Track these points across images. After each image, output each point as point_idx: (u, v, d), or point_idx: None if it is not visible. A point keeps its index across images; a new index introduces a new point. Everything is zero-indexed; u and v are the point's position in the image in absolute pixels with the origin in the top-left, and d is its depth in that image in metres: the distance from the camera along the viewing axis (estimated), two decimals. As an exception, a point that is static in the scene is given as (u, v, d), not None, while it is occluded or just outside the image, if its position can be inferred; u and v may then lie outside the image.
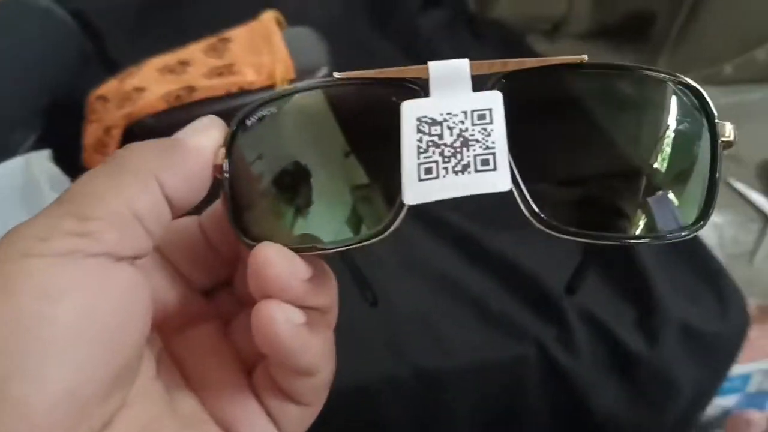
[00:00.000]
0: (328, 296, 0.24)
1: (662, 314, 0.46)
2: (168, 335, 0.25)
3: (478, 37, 0.62)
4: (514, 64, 0.24)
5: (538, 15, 0.61)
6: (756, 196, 0.55)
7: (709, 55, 0.54)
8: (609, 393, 0.44)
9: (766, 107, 0.55)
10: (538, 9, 0.61)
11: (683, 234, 0.23)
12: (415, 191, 0.22)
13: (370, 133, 0.24)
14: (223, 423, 0.24)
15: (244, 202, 0.24)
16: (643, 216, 0.24)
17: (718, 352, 0.50)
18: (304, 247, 0.23)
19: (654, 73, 0.24)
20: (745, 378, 0.66)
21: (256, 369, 0.25)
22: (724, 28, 0.53)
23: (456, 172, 0.22)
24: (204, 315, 0.26)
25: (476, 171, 0.22)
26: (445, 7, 0.63)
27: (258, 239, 0.23)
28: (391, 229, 0.23)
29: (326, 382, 0.24)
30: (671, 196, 0.24)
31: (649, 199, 0.24)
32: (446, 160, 0.22)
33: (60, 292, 0.21)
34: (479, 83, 0.24)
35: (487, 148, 0.22)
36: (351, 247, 0.23)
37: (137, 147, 0.24)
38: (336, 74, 0.25)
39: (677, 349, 0.46)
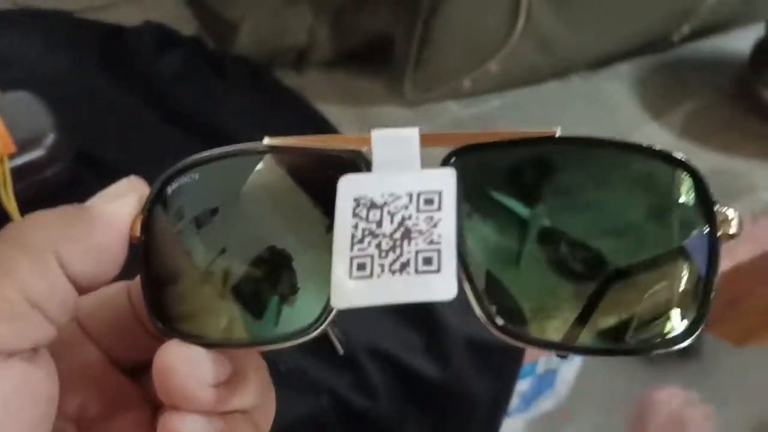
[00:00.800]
0: (251, 395, 0.21)
1: (447, 333, 0.47)
2: (87, 425, 0.23)
3: (222, 76, 0.59)
4: (470, 137, 0.21)
5: (279, 47, 0.60)
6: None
7: (448, 72, 0.56)
8: (412, 428, 0.44)
9: (504, 113, 0.58)
10: (279, 41, 0.59)
11: (662, 347, 0.20)
12: (344, 292, 0.19)
13: (302, 212, 0.22)
14: None
15: (161, 279, 0.22)
16: (620, 323, 0.21)
17: (505, 354, 0.52)
18: (219, 341, 0.21)
19: (639, 149, 0.21)
20: (533, 363, 0.71)
21: None
22: (458, 44, 0.55)
23: (393, 272, 0.19)
24: (129, 400, 0.23)
25: (416, 272, 0.19)
26: (182, 48, 0.59)
27: (174, 322, 0.22)
28: (315, 333, 0.21)
29: None
30: (651, 299, 0.21)
31: (628, 299, 0.21)
32: (383, 254, 0.19)
33: None
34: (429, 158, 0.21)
35: (432, 242, 0.19)
36: (269, 347, 0.22)
37: (34, 219, 0.21)
38: (267, 140, 0.22)
39: (468, 365, 0.47)
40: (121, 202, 0.22)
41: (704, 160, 0.55)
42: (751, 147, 0.55)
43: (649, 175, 0.21)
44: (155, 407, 0.23)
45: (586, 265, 0.21)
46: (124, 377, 0.24)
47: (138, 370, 0.24)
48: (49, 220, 0.21)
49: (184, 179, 0.22)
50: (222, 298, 0.22)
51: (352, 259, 0.19)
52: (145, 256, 0.22)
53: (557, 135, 0.21)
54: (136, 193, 0.22)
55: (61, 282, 0.20)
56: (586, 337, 0.20)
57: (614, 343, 0.20)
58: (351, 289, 0.19)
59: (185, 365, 0.20)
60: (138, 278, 0.23)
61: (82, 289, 0.21)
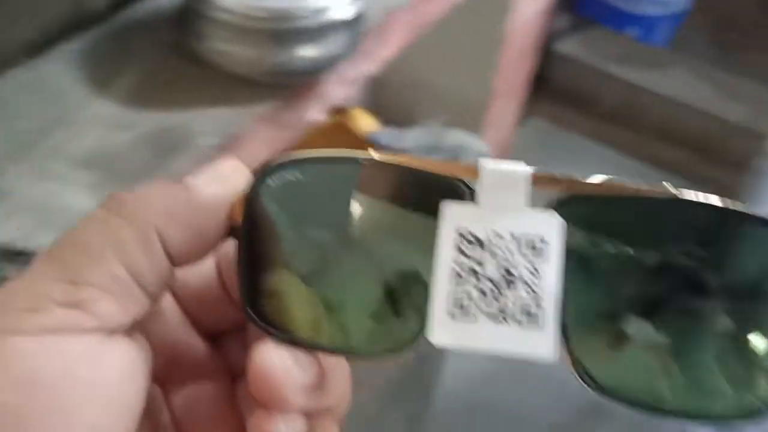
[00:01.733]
0: (336, 396, 0.22)
1: None
2: (168, 387, 0.23)
3: None
4: (585, 186, 0.20)
5: None
6: None
7: None
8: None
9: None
10: None
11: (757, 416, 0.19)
12: (444, 331, 0.19)
13: (400, 230, 0.22)
14: None
15: (257, 268, 0.22)
16: (729, 387, 0.20)
17: None
18: (311, 343, 0.21)
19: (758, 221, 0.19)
20: None
21: None
22: None
23: (492, 318, 0.19)
24: (208, 367, 0.24)
25: (516, 322, 0.19)
26: None
27: (267, 316, 0.21)
28: (402, 356, 0.20)
29: None
30: (754, 367, 0.20)
31: (736, 370, 0.20)
32: (483, 297, 0.19)
33: (42, 380, 0.18)
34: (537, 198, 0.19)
35: (535, 294, 0.19)
36: (356, 359, 0.21)
37: (141, 193, 0.21)
38: (374, 154, 0.21)
39: None
40: (222, 186, 0.21)
41: (151, 120, 0.53)
42: (193, 98, 0.55)
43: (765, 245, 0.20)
44: (232, 376, 0.24)
45: (691, 333, 0.20)
46: (204, 344, 0.24)
47: (216, 337, 0.24)
48: (154, 196, 0.21)
49: (286, 174, 0.22)
50: (317, 301, 0.22)
51: (451, 295, 0.19)
52: (242, 243, 0.21)
53: (677, 195, 0.19)
54: (237, 177, 0.22)
55: (162, 259, 0.21)
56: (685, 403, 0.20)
57: (708, 409, 0.20)
58: (448, 328, 0.19)
59: (282, 371, 0.20)
60: (228, 251, 0.22)
61: (175, 266, 0.21)
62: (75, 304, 0.19)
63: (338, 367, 0.22)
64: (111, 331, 0.20)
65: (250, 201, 0.22)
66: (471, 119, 0.79)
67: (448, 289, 0.20)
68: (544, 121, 1.10)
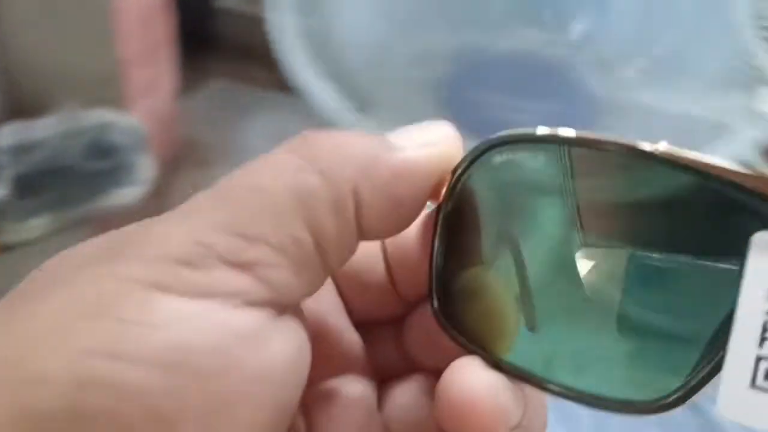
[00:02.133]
0: (534, 426, 0.17)
1: None
2: (310, 382, 0.18)
3: None
4: None
5: None
6: None
7: None
8: None
9: None
10: None
11: None
12: (739, 402, 0.14)
13: (682, 261, 0.16)
14: None
15: (457, 269, 0.18)
16: None
17: None
18: (526, 375, 0.17)
19: None
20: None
21: None
22: None
23: None
24: (356, 362, 0.20)
25: None
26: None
27: (464, 329, 0.18)
28: (665, 413, 0.15)
29: None
30: None
31: None
32: None
33: (207, 363, 0.14)
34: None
35: None
36: (582, 404, 0.17)
37: (339, 141, 0.17)
38: (662, 144, 0.16)
39: None
40: (432, 154, 0.18)
41: None
42: None
43: None
44: (380, 377, 0.20)
45: None
46: (356, 335, 0.21)
47: (362, 326, 0.21)
48: (356, 150, 0.17)
49: (508, 154, 0.17)
50: (536, 321, 0.17)
51: (759, 360, 0.15)
52: (441, 228, 0.18)
53: None
54: (451, 147, 0.18)
55: (352, 228, 0.17)
56: None
57: None
58: (751, 402, 0.14)
59: (495, 406, 0.16)
60: (403, 234, 0.19)
61: (362, 240, 0.18)
62: (245, 266, 0.16)
63: (538, 403, 0.18)
64: (282, 309, 0.17)
65: (461, 178, 0.18)
66: (108, 95, 0.75)
67: (755, 351, 0.15)
68: (224, 80, 1.07)
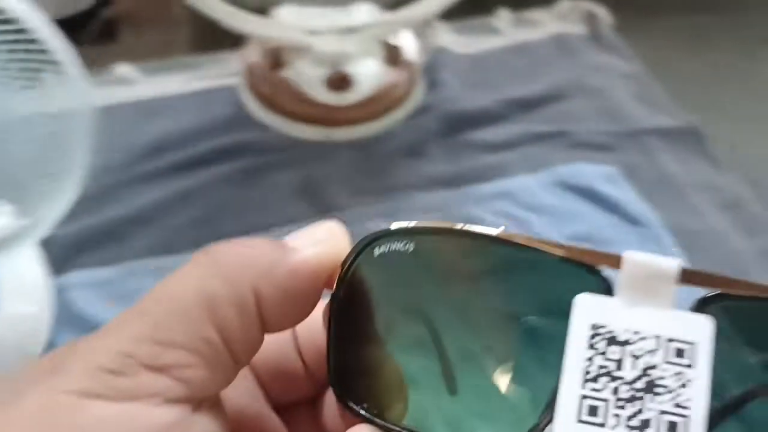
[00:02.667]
0: None
1: None
2: None
3: None
4: (739, 285, 0.18)
5: None
6: None
7: None
8: None
9: None
10: None
11: None
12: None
13: (522, 317, 0.19)
14: None
15: (350, 346, 0.20)
16: None
17: None
18: (405, 428, 0.19)
19: None
20: None
21: None
22: None
23: (631, 428, 0.17)
24: None
25: None
26: None
27: (358, 396, 0.20)
28: None
29: None
30: None
31: None
32: (620, 404, 0.17)
33: None
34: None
35: (679, 405, 0.17)
36: None
37: (236, 246, 0.19)
38: (495, 230, 0.20)
39: None
40: (321, 251, 0.20)
41: None
42: None
43: None
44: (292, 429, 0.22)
45: None
46: (277, 419, 0.22)
47: (281, 409, 0.22)
48: (255, 254, 0.19)
49: (392, 243, 0.20)
50: (414, 384, 0.20)
51: (582, 398, 0.17)
52: (334, 314, 0.20)
53: None
54: (339, 242, 0.20)
55: (255, 324, 0.19)
56: None
57: None
58: None
59: None
60: (309, 318, 0.20)
61: (266, 333, 0.19)
62: (163, 369, 0.17)
63: None
64: (200, 402, 0.18)
65: (349, 269, 0.20)
66: None
67: (579, 391, 0.17)
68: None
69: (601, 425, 0.17)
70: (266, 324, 0.20)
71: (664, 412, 0.17)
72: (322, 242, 0.20)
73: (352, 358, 0.21)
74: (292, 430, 0.23)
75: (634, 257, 0.19)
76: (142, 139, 0.74)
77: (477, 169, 0.74)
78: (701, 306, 0.19)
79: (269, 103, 0.76)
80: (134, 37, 0.94)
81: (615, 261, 0.19)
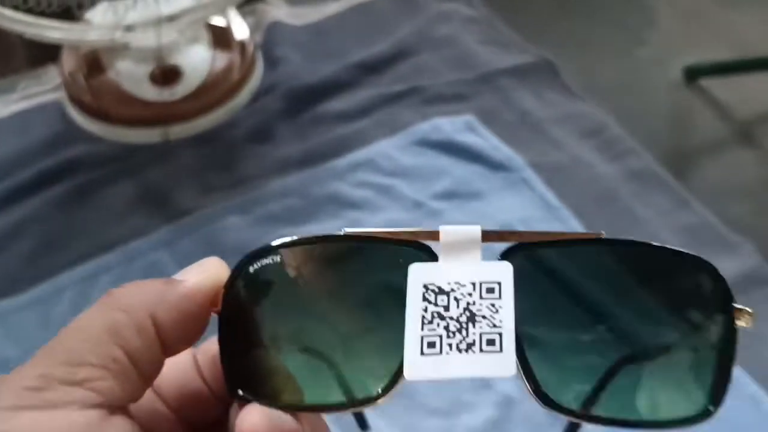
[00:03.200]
0: None
1: None
2: None
3: None
4: (527, 236, 0.24)
5: None
6: None
7: None
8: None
9: None
10: None
11: (686, 423, 0.23)
12: (416, 366, 0.22)
13: (374, 294, 0.24)
14: None
15: (239, 349, 0.24)
16: (652, 399, 0.23)
17: None
18: (294, 405, 0.23)
19: (671, 252, 0.24)
20: None
21: None
22: None
23: (460, 350, 0.22)
24: None
25: (481, 351, 0.22)
26: None
27: (250, 389, 0.23)
28: (386, 397, 0.23)
29: None
30: (680, 380, 0.23)
31: (663, 381, 0.23)
32: (451, 335, 0.22)
33: None
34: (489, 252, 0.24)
35: (494, 326, 0.22)
36: (343, 410, 0.23)
37: (132, 285, 0.23)
38: (345, 230, 0.24)
39: None
40: (206, 276, 0.24)
41: None
42: None
43: (677, 274, 0.24)
44: None
45: (618, 348, 0.23)
46: (183, 426, 0.25)
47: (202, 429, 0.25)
48: (147, 287, 0.23)
49: (264, 260, 0.24)
50: (296, 368, 0.24)
51: (422, 338, 0.22)
52: (224, 327, 0.24)
53: (603, 237, 0.24)
54: (219, 270, 0.24)
55: (155, 343, 0.22)
56: (605, 410, 0.23)
57: (631, 416, 0.23)
58: (422, 364, 0.22)
59: (268, 424, 0.22)
60: (206, 343, 0.25)
61: (167, 352, 0.23)
62: (78, 383, 0.21)
63: (321, 427, 0.24)
64: (112, 409, 0.21)
65: (229, 288, 0.24)
66: None
67: (419, 333, 0.23)
68: None
69: (439, 353, 0.22)
70: (165, 344, 0.23)
71: (483, 334, 0.22)
72: (204, 271, 0.24)
73: (239, 360, 0.24)
74: None
75: (447, 230, 0.24)
76: (-43, 176, 0.67)
77: (331, 143, 0.70)
78: (503, 256, 0.24)
79: (95, 112, 0.70)
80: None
81: (435, 235, 0.24)
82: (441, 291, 0.23)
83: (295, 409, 0.23)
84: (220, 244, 0.61)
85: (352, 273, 0.25)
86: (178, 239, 0.62)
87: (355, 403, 0.24)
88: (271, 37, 0.79)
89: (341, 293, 0.25)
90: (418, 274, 0.23)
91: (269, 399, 0.24)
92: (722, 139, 1.44)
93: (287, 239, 0.25)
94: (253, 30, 0.78)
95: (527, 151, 0.70)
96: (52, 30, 0.66)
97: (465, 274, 0.23)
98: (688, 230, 0.64)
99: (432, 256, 0.24)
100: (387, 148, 0.70)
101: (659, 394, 0.24)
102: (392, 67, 0.78)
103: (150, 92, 0.68)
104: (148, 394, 0.24)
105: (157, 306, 0.23)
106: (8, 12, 0.64)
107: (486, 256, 0.24)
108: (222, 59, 0.72)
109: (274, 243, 0.25)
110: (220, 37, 0.73)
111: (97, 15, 0.70)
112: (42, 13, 0.66)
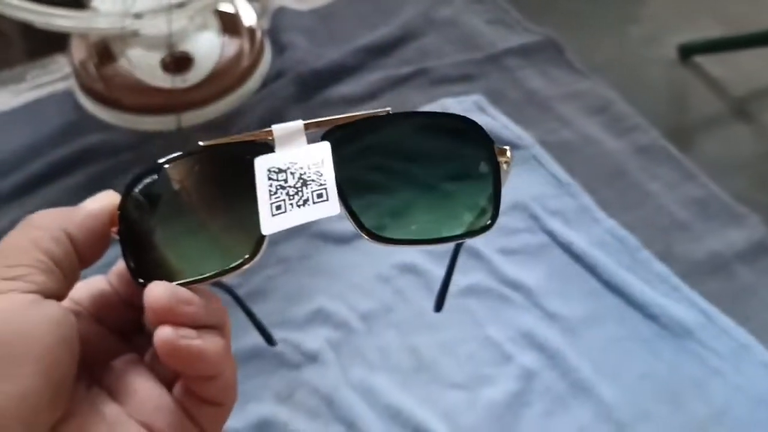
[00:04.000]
0: (215, 316, 0.29)
1: None
2: (96, 372, 0.29)
3: None
4: (334, 121, 0.31)
5: None
6: None
7: None
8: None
9: None
10: None
11: (476, 233, 0.30)
12: (270, 224, 0.29)
13: (232, 184, 0.30)
14: (148, 426, 0.28)
15: (138, 254, 0.30)
16: (451, 220, 0.31)
17: None
18: (185, 281, 0.29)
19: (443, 116, 0.33)
20: None
21: (174, 384, 0.29)
22: None
23: (299, 206, 0.29)
24: (121, 349, 0.31)
25: (314, 203, 0.29)
26: None
27: (150, 277, 0.29)
28: (257, 257, 0.29)
29: (231, 382, 0.29)
30: (467, 206, 0.31)
31: (452, 209, 0.31)
32: (291, 197, 0.29)
33: (5, 321, 0.25)
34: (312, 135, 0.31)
35: (321, 185, 0.29)
36: (225, 274, 0.29)
37: (45, 211, 0.29)
38: (201, 143, 0.31)
39: None
40: (101, 202, 0.30)
41: None
42: None
43: (451, 129, 0.32)
44: (141, 353, 0.30)
45: (414, 187, 0.31)
46: (118, 338, 0.31)
47: (126, 335, 0.31)
48: (56, 212, 0.29)
49: (145, 180, 0.30)
50: (182, 252, 0.30)
51: (271, 204, 0.29)
52: (124, 238, 0.30)
53: (390, 111, 0.31)
54: (111, 197, 0.30)
55: (71, 251, 0.28)
56: (414, 233, 0.31)
57: (435, 234, 0.31)
58: (274, 221, 0.29)
59: (167, 293, 0.28)
60: (113, 269, 0.31)
61: (82, 263, 0.29)
62: (15, 278, 0.26)
63: (213, 299, 0.29)
64: (45, 296, 0.27)
65: (122, 207, 0.30)
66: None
67: (269, 201, 0.29)
68: None
69: (284, 212, 0.29)
70: (79, 255, 0.29)
71: (314, 191, 0.29)
72: (100, 199, 0.30)
73: (138, 259, 0.30)
74: (136, 347, 0.31)
75: (277, 127, 0.31)
76: (-27, 167, 0.67)
77: (342, 125, 0.71)
78: (323, 138, 0.31)
79: (107, 100, 0.70)
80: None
81: (270, 133, 0.31)
82: (280, 170, 0.30)
83: (186, 284, 0.29)
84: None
85: (214, 173, 0.31)
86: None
87: (232, 268, 0.30)
88: (277, 22, 0.80)
89: (208, 189, 0.31)
90: (261, 162, 0.30)
91: (165, 280, 0.29)
92: (718, 114, 1.45)
93: (160, 160, 0.31)
94: (259, 16, 0.78)
95: (535, 129, 0.70)
96: (61, 18, 0.67)
97: (297, 156, 0.30)
98: (697, 203, 0.65)
99: (271, 150, 0.31)
100: (397, 130, 0.71)
101: (453, 216, 0.31)
102: (398, 50, 0.79)
103: (162, 80, 0.69)
104: (84, 314, 0.31)
105: (67, 224, 0.29)
106: (16, 1, 0.65)
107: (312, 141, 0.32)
108: (231, 46, 0.72)
109: (146, 168, 0.31)
110: (229, 24, 0.74)
111: (105, 2, 0.70)
112: (50, 2, 0.66)
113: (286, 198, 0.29)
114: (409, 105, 0.72)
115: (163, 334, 0.27)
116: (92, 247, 0.29)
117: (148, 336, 0.29)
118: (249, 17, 0.76)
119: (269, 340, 0.35)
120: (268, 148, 0.31)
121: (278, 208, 0.29)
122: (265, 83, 0.74)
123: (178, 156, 0.31)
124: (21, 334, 0.25)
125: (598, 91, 0.75)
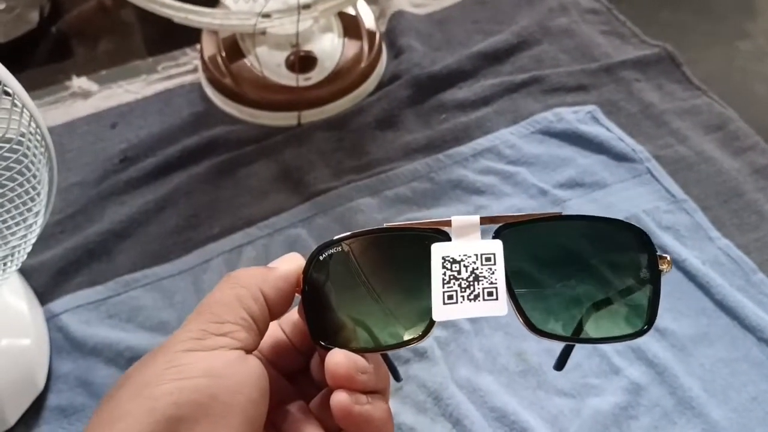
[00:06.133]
0: (382, 381, 0.33)
1: None
2: (270, 413, 0.32)
3: None
4: (510, 218, 0.34)
5: None
6: None
7: None
8: None
9: None
10: None
11: (633, 336, 0.33)
12: (441, 311, 0.32)
13: (409, 267, 0.34)
14: None
15: (318, 315, 0.34)
16: (609, 322, 0.33)
17: None
18: (363, 348, 0.33)
19: (612, 221, 0.34)
20: None
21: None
22: None
23: (470, 300, 0.32)
24: (290, 394, 0.35)
25: (484, 300, 0.32)
26: None
27: (328, 340, 0.33)
28: (426, 339, 0.33)
29: None
30: (625, 309, 0.33)
31: (611, 311, 0.33)
32: (463, 290, 0.32)
33: (219, 373, 0.29)
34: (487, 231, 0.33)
35: (492, 283, 0.32)
36: (396, 348, 0.33)
37: (245, 270, 0.33)
38: (386, 224, 0.34)
39: None
40: (291, 264, 0.34)
41: None
42: None
43: (617, 234, 0.34)
44: (307, 398, 0.35)
45: (581, 290, 0.33)
46: (283, 379, 0.36)
47: (290, 376, 0.36)
48: (255, 271, 0.33)
49: (329, 250, 0.34)
50: (358, 321, 0.34)
51: (443, 293, 0.32)
52: (306, 299, 0.34)
53: (562, 214, 0.34)
54: (298, 260, 0.34)
55: (265, 309, 0.32)
56: (575, 332, 0.33)
57: (597, 335, 0.33)
58: (445, 310, 0.32)
59: (348, 361, 0.32)
60: (286, 315, 0.35)
61: (271, 317, 0.33)
62: (224, 334, 0.31)
63: (382, 366, 0.33)
64: (248, 351, 0.31)
65: (306, 272, 0.34)
66: None
67: (441, 290, 0.32)
68: None
69: (455, 303, 0.32)
70: (271, 309, 0.33)
71: (485, 288, 0.32)
72: (288, 261, 0.34)
73: (317, 321, 0.34)
74: (299, 388, 0.36)
75: (457, 219, 0.34)
76: (109, 150, 0.72)
77: (455, 130, 0.73)
78: (495, 235, 0.34)
79: (233, 94, 0.73)
80: (89, 49, 0.91)
81: (449, 223, 0.34)
82: (454, 261, 0.33)
83: (362, 351, 0.33)
84: (352, 223, 0.64)
85: (393, 253, 0.34)
86: (314, 216, 0.65)
87: (403, 343, 0.33)
88: (394, 25, 0.82)
89: (387, 268, 0.34)
90: (438, 250, 0.33)
91: (342, 346, 0.33)
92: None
93: (345, 234, 0.35)
94: (377, 18, 0.80)
95: (650, 143, 0.70)
96: (198, 15, 0.70)
97: (470, 249, 0.33)
98: (817, 227, 0.64)
99: (447, 238, 0.34)
100: (509, 137, 0.72)
101: (612, 319, 0.33)
102: (513, 57, 0.80)
103: (287, 77, 0.72)
104: (259, 354, 0.35)
105: (263, 284, 0.33)
106: (161, -2, 0.69)
107: (485, 236, 0.34)
108: (352, 47, 0.75)
109: (335, 238, 0.34)
110: (350, 26, 0.76)
111: (237, 2, 0.74)
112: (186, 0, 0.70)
113: (458, 290, 0.32)
114: (523, 112, 0.73)
115: (341, 399, 0.31)
116: (281, 306, 0.33)
117: (311, 380, 0.36)
118: (369, 20, 0.78)
119: (396, 376, 0.37)
120: (444, 235, 0.34)
121: (450, 297, 0.32)
122: (381, 85, 0.76)
123: (360, 232, 0.34)
124: (231, 389, 0.29)
125: (715, 107, 0.74)
